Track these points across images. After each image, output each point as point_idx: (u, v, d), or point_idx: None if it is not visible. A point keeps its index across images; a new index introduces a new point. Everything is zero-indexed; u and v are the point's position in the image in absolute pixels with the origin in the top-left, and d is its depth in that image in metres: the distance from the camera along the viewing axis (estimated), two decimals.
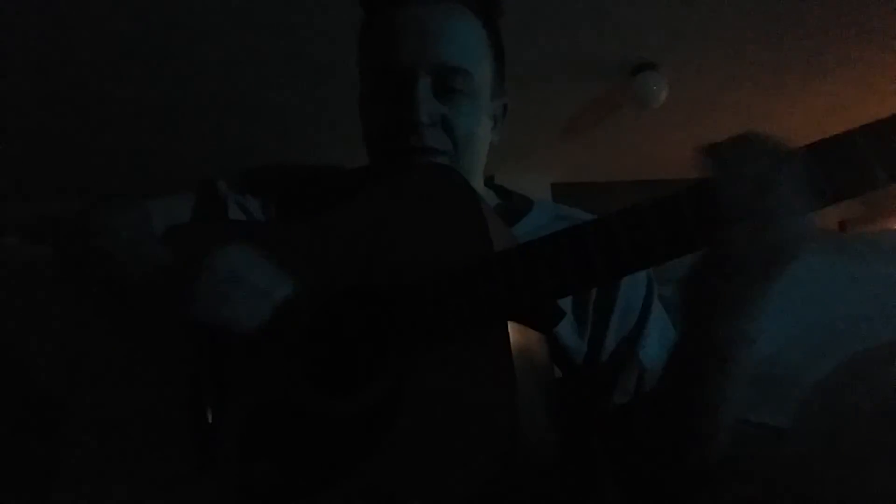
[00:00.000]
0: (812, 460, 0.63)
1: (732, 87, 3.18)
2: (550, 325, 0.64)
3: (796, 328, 1.05)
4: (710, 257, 0.57)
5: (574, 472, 0.79)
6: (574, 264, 0.56)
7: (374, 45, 0.84)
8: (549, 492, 0.60)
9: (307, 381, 0.64)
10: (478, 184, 0.91)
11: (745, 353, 0.59)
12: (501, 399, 0.53)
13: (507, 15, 0.89)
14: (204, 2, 2.35)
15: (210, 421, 0.62)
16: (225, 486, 0.62)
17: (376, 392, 0.60)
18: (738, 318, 0.58)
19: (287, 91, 2.97)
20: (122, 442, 0.67)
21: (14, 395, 0.76)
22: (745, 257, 0.54)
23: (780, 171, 0.53)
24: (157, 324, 0.68)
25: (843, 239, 1.82)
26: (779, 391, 0.97)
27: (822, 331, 1.03)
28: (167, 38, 2.56)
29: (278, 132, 3.31)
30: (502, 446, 0.52)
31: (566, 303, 0.79)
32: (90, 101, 2.95)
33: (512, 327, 0.57)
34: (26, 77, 2.72)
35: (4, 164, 3.32)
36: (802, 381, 0.85)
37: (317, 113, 3.14)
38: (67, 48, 2.56)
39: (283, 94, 2.99)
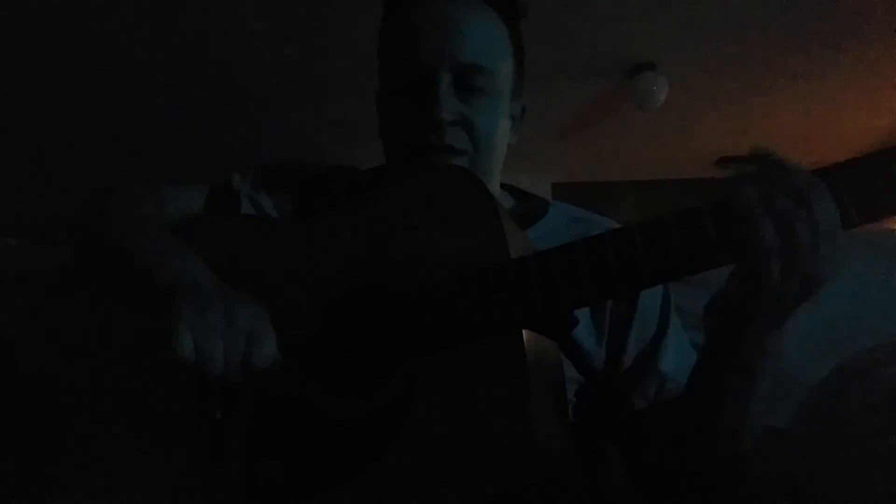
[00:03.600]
0: (812, 460, 0.63)
1: (732, 87, 3.18)
2: (564, 334, 0.63)
3: (796, 328, 1.04)
4: (741, 283, 0.55)
5: (584, 476, 0.79)
6: (592, 275, 0.55)
7: (395, 41, 0.83)
8: (559, 496, 0.60)
9: (317, 380, 0.64)
10: (494, 185, 0.90)
11: (770, 368, 0.60)
12: (515, 405, 0.53)
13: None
14: (209, 3, 2.35)
15: (218, 417, 0.62)
16: (231, 484, 0.61)
17: (387, 394, 0.59)
18: (767, 336, 0.58)
19: (291, 94, 2.97)
20: (129, 439, 0.67)
21: (16, 394, 0.76)
22: (778, 288, 0.53)
23: (807, 202, 0.51)
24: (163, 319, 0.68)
25: None
26: (779, 391, 0.97)
27: (822, 331, 1.03)
28: (170, 40, 2.56)
29: (281, 135, 3.31)
30: (514, 451, 0.51)
31: (583, 309, 0.78)
32: (91, 102, 2.94)
33: (526, 333, 0.56)
34: (27, 76, 2.72)
35: (4, 164, 3.32)
36: (802, 381, 0.85)
37: (322, 115, 3.14)
38: (69, 48, 2.56)
39: (286, 97, 2.99)
